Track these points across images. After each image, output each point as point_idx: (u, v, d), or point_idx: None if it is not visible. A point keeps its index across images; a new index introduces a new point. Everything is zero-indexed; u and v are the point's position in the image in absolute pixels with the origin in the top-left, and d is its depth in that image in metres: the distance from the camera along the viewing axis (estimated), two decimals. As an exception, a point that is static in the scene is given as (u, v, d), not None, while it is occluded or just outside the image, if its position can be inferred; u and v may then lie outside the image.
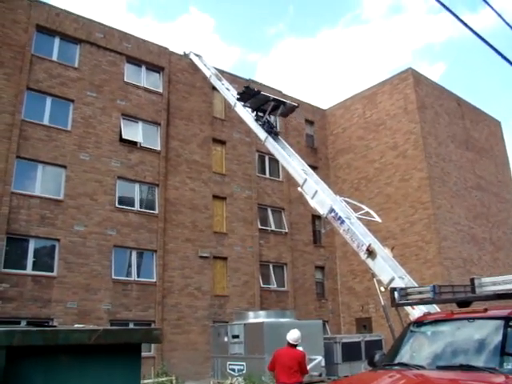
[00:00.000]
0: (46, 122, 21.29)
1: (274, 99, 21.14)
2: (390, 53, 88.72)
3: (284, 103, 21.39)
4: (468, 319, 5.54)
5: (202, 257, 24.04)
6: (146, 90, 24.77)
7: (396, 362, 5.64)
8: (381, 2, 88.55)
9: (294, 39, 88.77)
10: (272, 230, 27.80)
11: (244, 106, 21.85)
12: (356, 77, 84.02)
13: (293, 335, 10.05)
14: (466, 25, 6.29)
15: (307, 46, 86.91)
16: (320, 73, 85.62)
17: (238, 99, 22.04)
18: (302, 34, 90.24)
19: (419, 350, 5.89)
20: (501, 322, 5.20)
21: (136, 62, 24.94)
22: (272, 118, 21.57)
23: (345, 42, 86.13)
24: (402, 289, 7.29)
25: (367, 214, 16.20)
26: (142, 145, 23.76)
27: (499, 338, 5.03)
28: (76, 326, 3.95)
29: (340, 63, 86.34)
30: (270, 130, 21.02)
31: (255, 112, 21.68)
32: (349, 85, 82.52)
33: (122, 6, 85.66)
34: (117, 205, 22.09)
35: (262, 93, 21.05)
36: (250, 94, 21.09)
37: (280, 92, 30.15)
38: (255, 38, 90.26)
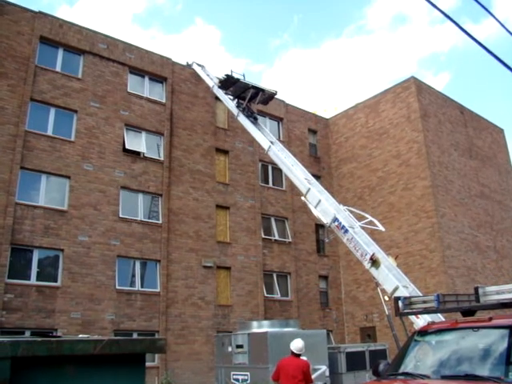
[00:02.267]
0: (49, 132, 21.38)
1: (253, 86, 22.20)
2: (395, 63, 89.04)
3: (263, 90, 22.50)
4: (472, 328, 5.53)
5: (205, 266, 24.01)
6: (149, 100, 24.86)
7: (400, 371, 5.63)
8: (385, 12, 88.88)
9: (299, 50, 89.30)
10: (275, 240, 27.77)
11: (226, 93, 22.95)
12: (361, 86, 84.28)
13: (297, 345, 10.03)
14: (469, 35, 6.32)
15: (312, 56, 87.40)
16: (324, 83, 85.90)
17: (219, 87, 23.19)
18: (306, 45, 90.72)
19: (424, 359, 5.87)
20: (506, 331, 5.18)
21: (139, 72, 25.05)
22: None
23: (350, 52, 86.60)
24: (406, 298, 7.28)
25: (371, 222, 16.18)
26: (146, 155, 23.81)
27: (504, 347, 5.02)
28: (80, 336, 3.95)
29: (345, 73, 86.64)
30: (250, 115, 22.15)
31: (236, 99, 22.80)
32: (354, 94, 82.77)
33: (127, 18, 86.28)
34: (120, 215, 22.11)
35: (242, 80, 22.01)
36: (231, 81, 22.13)
37: (284, 101, 30.24)
38: (260, 49, 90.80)
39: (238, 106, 22.74)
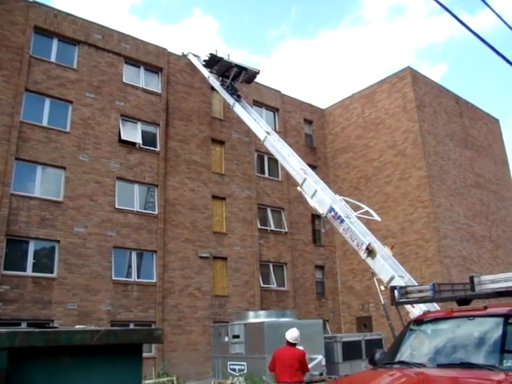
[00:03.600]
0: (44, 123, 21.28)
1: (236, 65, 23.52)
2: (392, 53, 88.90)
3: (246, 69, 23.83)
4: (468, 317, 5.56)
5: (201, 257, 24.04)
6: (144, 90, 24.76)
7: (396, 360, 5.66)
8: (382, 3, 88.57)
9: (296, 41, 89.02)
10: (272, 230, 27.80)
11: (210, 71, 24.22)
12: (358, 77, 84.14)
13: (292, 334, 10.06)
14: (466, 26, 6.31)
15: (308, 47, 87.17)
16: (321, 74, 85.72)
17: (203, 65, 24.46)
18: (303, 36, 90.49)
19: (419, 348, 5.91)
20: (500, 320, 5.22)
21: (134, 62, 24.92)
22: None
23: (346, 43, 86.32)
24: (401, 287, 7.32)
25: (367, 212, 16.25)
26: (141, 145, 23.75)
27: (499, 335, 5.05)
28: (77, 327, 3.96)
29: (341, 64, 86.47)
30: (233, 93, 23.45)
31: (221, 78, 24.10)
32: (350, 85, 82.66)
33: (124, 9, 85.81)
34: (116, 206, 22.09)
35: (225, 59, 23.35)
36: (215, 60, 23.43)
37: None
38: (258, 39, 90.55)
39: (222, 85, 23.76)
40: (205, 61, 24.19)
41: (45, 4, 22.81)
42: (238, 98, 23.29)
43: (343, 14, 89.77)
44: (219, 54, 23.75)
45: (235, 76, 23.85)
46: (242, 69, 23.71)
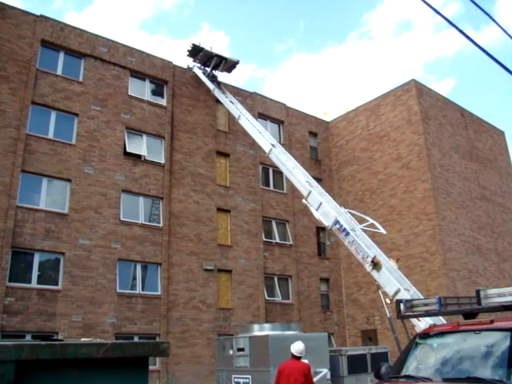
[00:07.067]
0: (50, 135, 21.39)
1: (217, 55, 25.93)
2: (400, 68, 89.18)
3: (226, 59, 26.16)
4: (474, 331, 5.53)
5: (206, 270, 24.00)
6: (149, 103, 24.88)
7: (402, 374, 5.63)
8: (389, 18, 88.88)
9: (304, 55, 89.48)
10: (276, 243, 27.75)
11: (194, 61, 26.43)
12: (365, 91, 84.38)
13: (297, 347, 10.02)
14: (472, 41, 6.34)
15: (315, 61, 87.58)
16: (327, 88, 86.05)
17: (187, 55, 26.40)
18: (310, 50, 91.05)
19: (425, 362, 5.87)
20: (507, 334, 5.18)
21: (140, 75, 25.07)
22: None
23: (353, 57, 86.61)
24: (407, 301, 7.28)
25: (372, 225, 16.22)
26: (147, 158, 23.82)
27: (506, 349, 5.02)
28: (83, 339, 3.96)
29: (349, 79, 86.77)
30: (213, 80, 25.67)
31: (203, 67, 26.38)
32: (358, 99, 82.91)
33: (134, 24, 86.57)
34: (121, 218, 22.11)
35: (206, 49, 25.64)
36: (197, 50, 25.65)
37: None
38: (265, 54, 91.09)
39: (203, 73, 25.88)
40: (188, 51, 26.00)
41: (52, 18, 23.02)
42: (218, 85, 25.60)
43: (350, 29, 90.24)
44: (201, 45, 25.82)
45: (216, 65, 26.06)
46: (222, 58, 26.00)
